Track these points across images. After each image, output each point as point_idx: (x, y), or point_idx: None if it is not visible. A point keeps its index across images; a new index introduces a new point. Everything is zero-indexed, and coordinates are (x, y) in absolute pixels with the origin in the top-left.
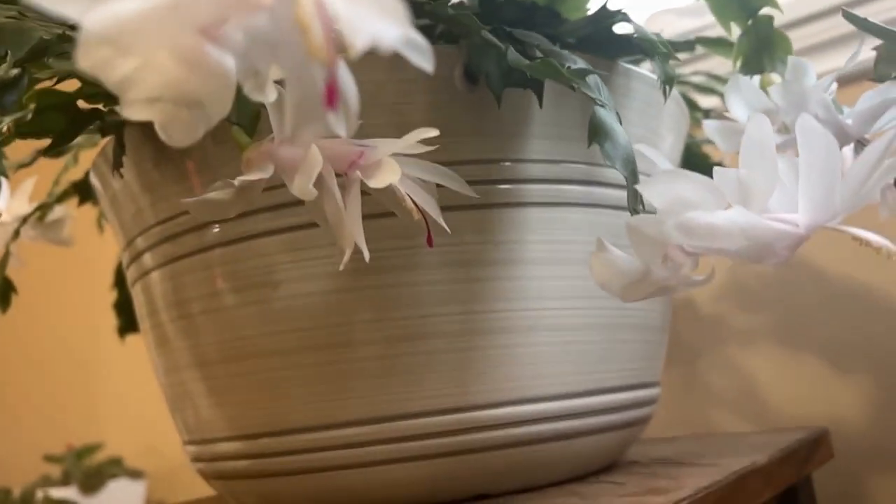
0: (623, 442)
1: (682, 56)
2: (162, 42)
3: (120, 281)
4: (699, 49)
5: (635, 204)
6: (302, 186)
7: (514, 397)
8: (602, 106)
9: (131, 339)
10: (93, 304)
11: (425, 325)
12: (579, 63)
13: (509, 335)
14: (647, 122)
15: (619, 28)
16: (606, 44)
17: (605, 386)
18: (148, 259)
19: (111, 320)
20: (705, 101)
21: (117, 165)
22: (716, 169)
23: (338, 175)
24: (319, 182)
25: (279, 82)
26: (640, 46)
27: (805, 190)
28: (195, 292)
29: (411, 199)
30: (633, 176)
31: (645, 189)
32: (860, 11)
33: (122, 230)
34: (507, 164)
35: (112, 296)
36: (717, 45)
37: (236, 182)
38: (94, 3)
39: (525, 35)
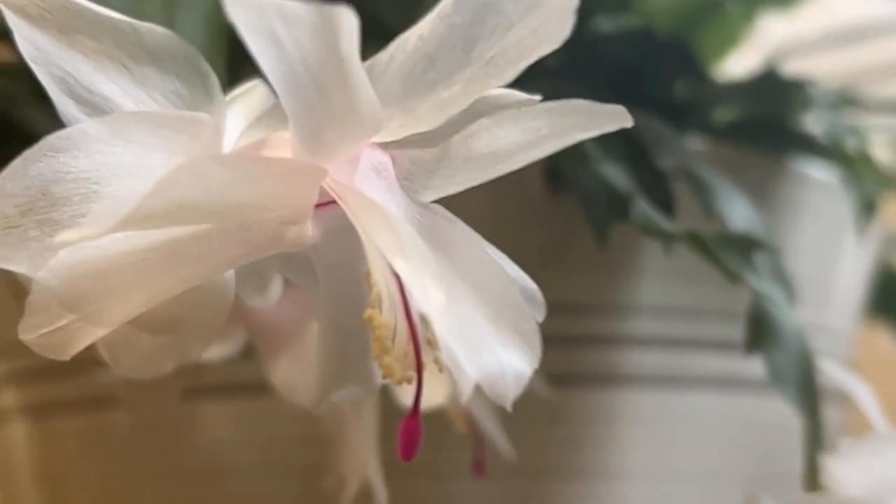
0: None
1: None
2: (146, 302)
3: None
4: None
5: (814, 475)
6: (296, 384)
7: None
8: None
9: None
10: None
11: None
12: (736, 210)
13: None
14: (817, 238)
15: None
16: (769, 134)
17: None
18: (9, 397)
19: None
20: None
21: None
22: None
23: None
24: None
25: None
26: (829, 154)
27: None
28: (81, 467)
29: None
30: (813, 418)
31: (838, 463)
32: None
33: None
34: (599, 316)
35: None
36: None
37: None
38: (46, 251)
39: (643, 128)
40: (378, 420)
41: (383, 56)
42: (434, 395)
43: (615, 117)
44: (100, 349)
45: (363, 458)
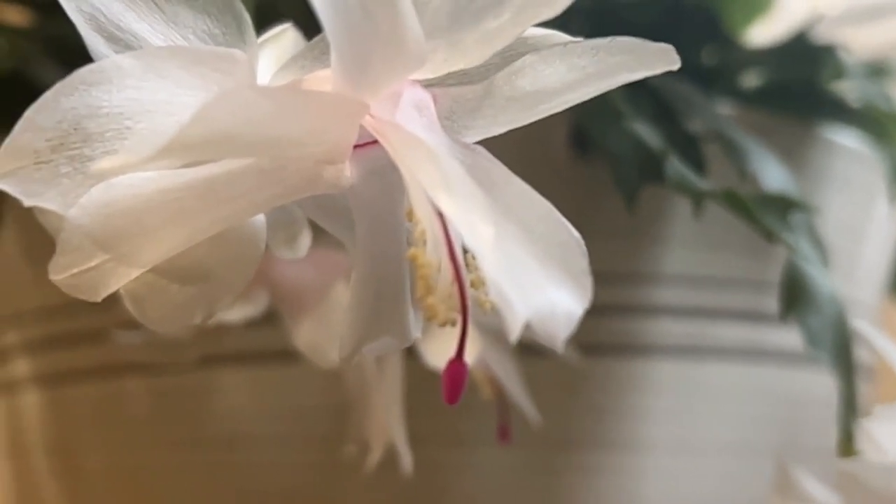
0: None
1: None
2: (181, 242)
3: None
4: None
5: (849, 442)
6: (320, 345)
7: None
8: (804, 259)
9: None
10: None
11: None
12: (770, 171)
13: None
14: (845, 208)
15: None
16: (799, 99)
17: None
18: (22, 366)
19: None
20: None
21: None
22: None
23: None
24: None
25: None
26: (859, 118)
27: None
28: (95, 437)
29: (486, 365)
30: (848, 383)
31: (877, 427)
32: None
33: None
34: (625, 284)
35: None
36: None
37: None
38: (78, 187)
39: (671, 91)
40: (403, 386)
41: None
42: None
43: (663, 57)
44: (126, 302)
45: (387, 423)
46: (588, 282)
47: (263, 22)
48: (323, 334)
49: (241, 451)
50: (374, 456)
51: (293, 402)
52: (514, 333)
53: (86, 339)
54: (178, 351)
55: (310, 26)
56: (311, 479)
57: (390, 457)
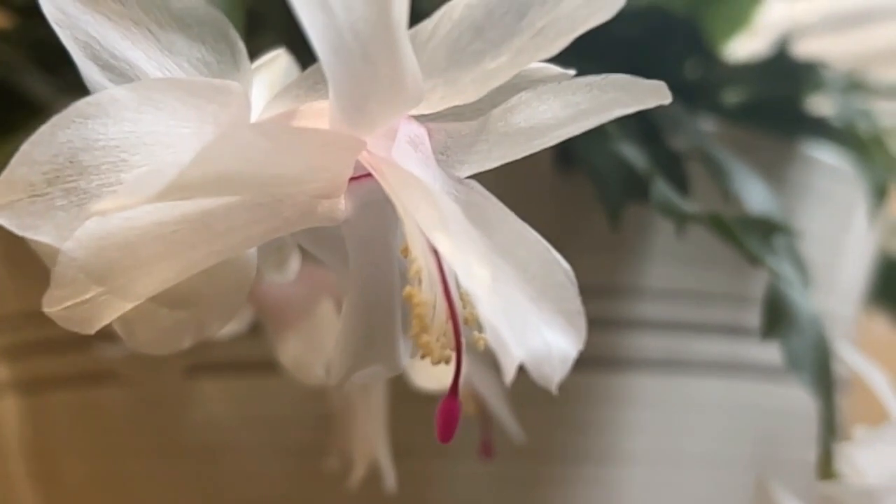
0: None
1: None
2: (175, 275)
3: None
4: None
5: (828, 463)
6: (304, 361)
7: None
8: (787, 283)
9: None
10: None
11: None
12: (753, 192)
13: None
14: (824, 223)
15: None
16: (780, 116)
17: None
18: (2, 372)
19: None
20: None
21: None
22: None
23: None
24: None
25: None
26: (840, 136)
27: None
28: (74, 444)
29: (469, 381)
30: (828, 405)
31: (857, 451)
32: None
33: None
34: (607, 298)
35: None
36: None
37: None
38: (73, 220)
39: (656, 109)
40: (386, 400)
41: (427, 25)
42: (445, 376)
43: (655, 93)
44: (114, 324)
45: (371, 439)
46: (582, 322)
47: (251, 31)
48: (308, 351)
49: (220, 461)
50: (358, 472)
51: (273, 412)
52: (510, 375)
53: (66, 346)
54: (161, 362)
55: (295, 36)
56: (291, 489)
57: (373, 469)
